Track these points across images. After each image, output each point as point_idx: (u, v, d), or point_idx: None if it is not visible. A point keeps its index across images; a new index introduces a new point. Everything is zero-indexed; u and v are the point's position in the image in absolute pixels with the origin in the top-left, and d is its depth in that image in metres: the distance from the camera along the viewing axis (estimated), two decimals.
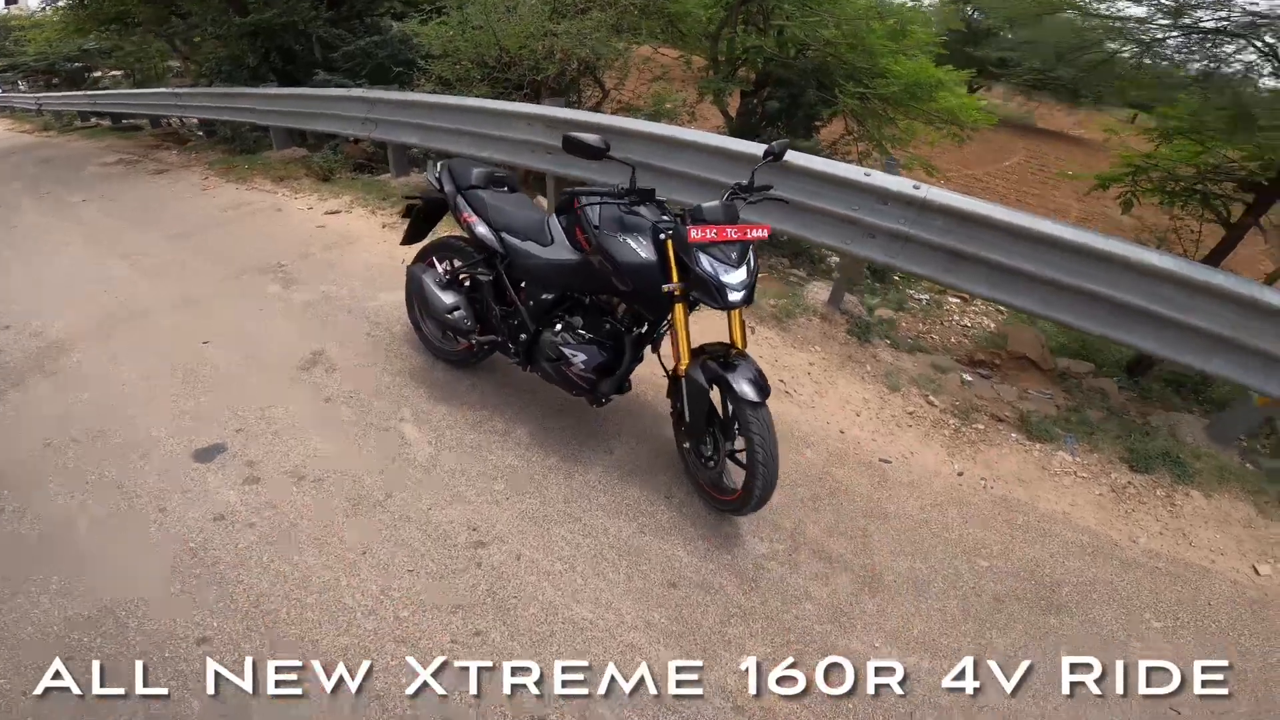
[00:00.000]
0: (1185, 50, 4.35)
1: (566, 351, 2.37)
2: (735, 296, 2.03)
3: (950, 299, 5.30)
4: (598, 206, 2.26)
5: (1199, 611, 2.19)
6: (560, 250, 2.40)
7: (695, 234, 1.99)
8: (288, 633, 1.83)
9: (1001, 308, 4.94)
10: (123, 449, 2.51)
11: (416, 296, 2.91)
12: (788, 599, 2.08)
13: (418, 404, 2.81)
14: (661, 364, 2.41)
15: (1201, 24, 4.09)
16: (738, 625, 1.97)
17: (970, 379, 3.55)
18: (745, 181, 2.27)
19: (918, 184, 3.18)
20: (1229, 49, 4.19)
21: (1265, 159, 4.81)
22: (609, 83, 6.50)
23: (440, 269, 2.88)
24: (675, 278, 2.09)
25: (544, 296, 2.49)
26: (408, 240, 3.12)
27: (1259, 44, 4.08)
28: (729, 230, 2.03)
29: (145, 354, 3.17)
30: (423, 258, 3.00)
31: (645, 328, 2.41)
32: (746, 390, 2.03)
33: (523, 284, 2.61)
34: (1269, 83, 4.13)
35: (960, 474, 2.77)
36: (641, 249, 2.14)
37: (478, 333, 2.69)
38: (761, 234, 2.10)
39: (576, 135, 2.09)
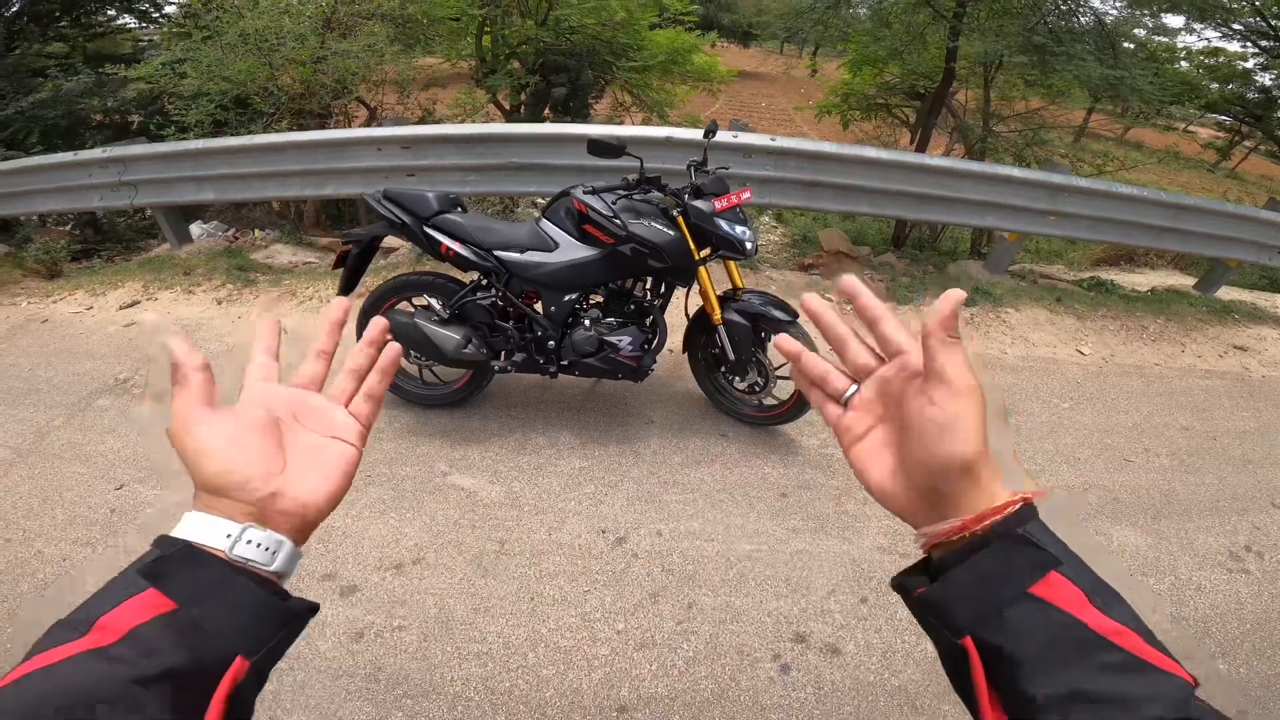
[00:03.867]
0: None
1: (612, 340, 2.52)
2: (750, 246, 2.44)
3: None
4: (600, 202, 2.42)
5: (1076, 387, 3.35)
6: (572, 250, 2.49)
7: (720, 204, 2.34)
8: (545, 695, 1.78)
9: (776, 216, 6.13)
10: None
11: (409, 343, 2.65)
12: None
13: (448, 455, 2.63)
14: (686, 313, 2.75)
15: None
16: (848, 502, 2.47)
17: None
18: (699, 159, 2.63)
19: (774, 137, 3.87)
20: None
21: (918, 74, 6.68)
22: (386, 98, 6.11)
23: (426, 308, 2.70)
24: (694, 247, 2.41)
25: (566, 299, 2.56)
26: (344, 292, 2.79)
27: None
28: (735, 197, 2.42)
29: (58, 529, 2.27)
30: (377, 306, 2.74)
31: (662, 297, 2.68)
32: (782, 315, 2.49)
33: (522, 296, 2.62)
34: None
35: None
36: (666, 228, 2.39)
37: (501, 358, 2.64)
38: (748, 195, 2.53)
39: (600, 137, 2.25)
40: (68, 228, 6.40)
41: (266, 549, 0.41)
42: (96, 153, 4.29)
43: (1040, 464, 2.77)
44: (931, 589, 0.38)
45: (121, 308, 3.85)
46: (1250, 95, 20.83)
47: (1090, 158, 6.79)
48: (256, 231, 6.09)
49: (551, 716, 1.72)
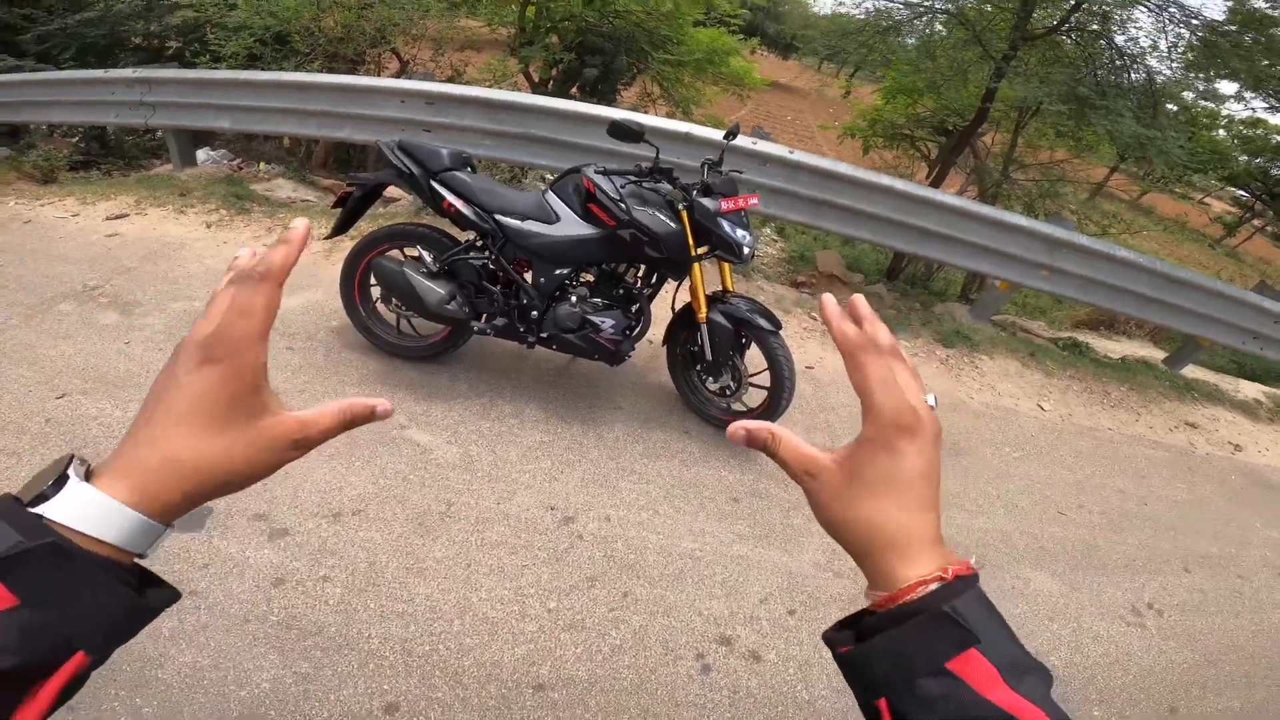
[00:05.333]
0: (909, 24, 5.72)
1: (595, 320, 2.52)
2: (747, 251, 2.46)
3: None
4: (609, 184, 2.42)
5: (1030, 439, 3.41)
6: (573, 226, 2.50)
7: (727, 205, 2.34)
8: (464, 664, 1.78)
9: (778, 230, 6.15)
10: None
11: (393, 290, 2.65)
12: None
13: (409, 408, 2.63)
14: (672, 306, 2.74)
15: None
16: (795, 515, 2.49)
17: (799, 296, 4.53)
18: (715, 158, 2.63)
19: (791, 149, 3.87)
20: (939, 27, 5.65)
21: (951, 110, 6.69)
22: (421, 53, 6.08)
23: (416, 260, 2.69)
24: (693, 243, 2.42)
25: (557, 272, 2.56)
26: (337, 232, 2.78)
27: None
28: (743, 201, 2.42)
29: None
30: (367, 250, 2.73)
31: (652, 287, 2.69)
32: (766, 324, 2.51)
33: (514, 262, 2.62)
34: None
35: None
36: (669, 220, 2.39)
37: (481, 320, 2.64)
38: (756, 202, 2.53)
39: (622, 120, 2.27)
40: (74, 139, 6.34)
41: (156, 540, 0.36)
42: (126, 72, 4.30)
43: (980, 505, 2.83)
44: (855, 650, 0.39)
45: (108, 218, 3.80)
46: (1275, 171, 20.83)
47: (1099, 217, 6.83)
48: (262, 164, 6.03)
49: (466, 685, 1.72)
